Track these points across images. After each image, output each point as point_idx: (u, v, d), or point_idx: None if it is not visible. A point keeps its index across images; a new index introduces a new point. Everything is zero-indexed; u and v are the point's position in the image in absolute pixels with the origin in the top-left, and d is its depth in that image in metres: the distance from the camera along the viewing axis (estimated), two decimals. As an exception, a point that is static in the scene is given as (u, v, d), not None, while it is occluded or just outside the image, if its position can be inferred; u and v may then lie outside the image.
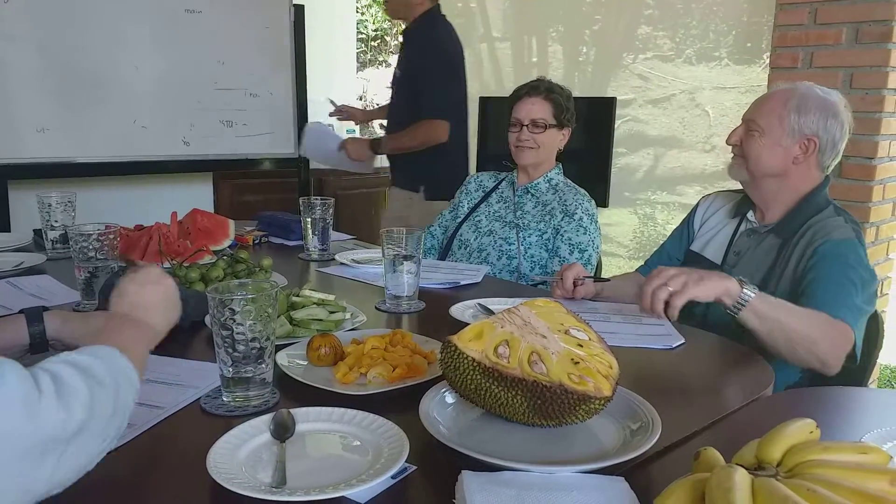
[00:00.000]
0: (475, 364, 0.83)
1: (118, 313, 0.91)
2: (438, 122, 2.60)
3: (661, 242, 1.81)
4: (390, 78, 2.86)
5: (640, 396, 0.92)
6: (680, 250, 1.76)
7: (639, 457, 0.80)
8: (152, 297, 0.93)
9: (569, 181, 2.05)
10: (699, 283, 1.23)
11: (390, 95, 2.86)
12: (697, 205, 1.76)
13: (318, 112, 3.30)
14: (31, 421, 0.62)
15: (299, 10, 3.32)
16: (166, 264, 1.46)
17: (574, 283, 1.52)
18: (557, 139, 2.00)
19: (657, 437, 0.82)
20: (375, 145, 2.82)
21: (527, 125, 1.96)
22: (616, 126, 3.17)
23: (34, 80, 2.63)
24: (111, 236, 1.38)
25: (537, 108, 1.97)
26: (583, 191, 2.00)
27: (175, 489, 0.77)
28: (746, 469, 0.63)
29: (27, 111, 2.63)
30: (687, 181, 3.57)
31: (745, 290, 1.23)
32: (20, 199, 2.66)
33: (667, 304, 1.24)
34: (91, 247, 1.36)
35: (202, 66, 3.00)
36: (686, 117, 3.48)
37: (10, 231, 2.52)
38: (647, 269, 1.75)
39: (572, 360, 0.86)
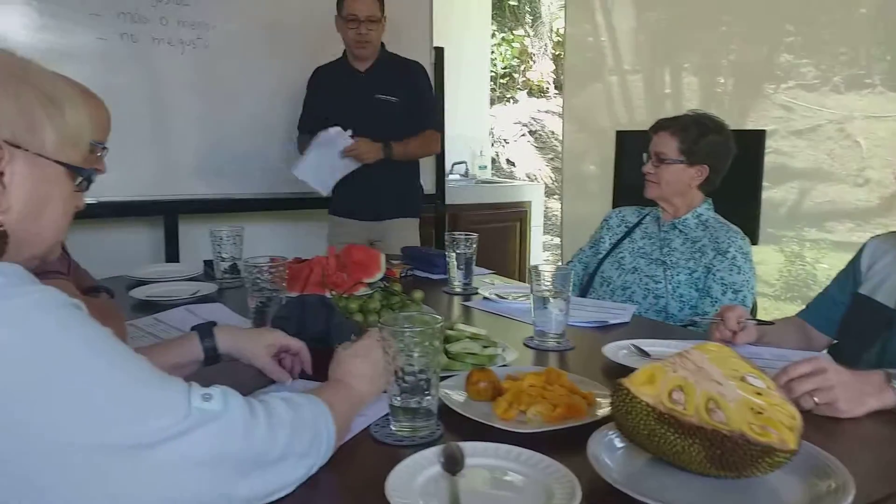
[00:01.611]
0: (649, 409, 0.82)
1: (335, 378, 1.02)
2: (438, 134, 2.97)
3: (825, 285, 1.69)
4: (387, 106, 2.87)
5: (825, 451, 0.86)
6: (845, 294, 1.64)
7: (832, 518, 0.74)
8: (362, 368, 1.02)
9: (720, 217, 1.98)
10: (849, 403, 1.07)
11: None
12: (864, 246, 1.64)
13: (455, 150, 3.38)
14: (246, 440, 0.73)
15: (439, 52, 3.46)
16: (328, 294, 1.55)
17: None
18: (685, 176, 1.94)
19: (851, 497, 0.76)
20: (388, 149, 2.80)
21: (652, 159, 1.95)
22: (759, 159, 3.01)
23: (203, 123, 2.90)
24: (280, 268, 1.48)
25: (662, 142, 1.95)
26: (735, 227, 1.92)
27: (355, 514, 0.81)
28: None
29: (198, 152, 2.90)
30: (837, 217, 3.32)
31: None
32: (185, 231, 2.94)
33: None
34: (263, 278, 1.46)
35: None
36: (835, 149, 3.25)
37: (178, 261, 2.78)
38: (809, 314, 1.65)
39: (752, 409, 0.82)
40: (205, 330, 1.15)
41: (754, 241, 2.91)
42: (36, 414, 0.62)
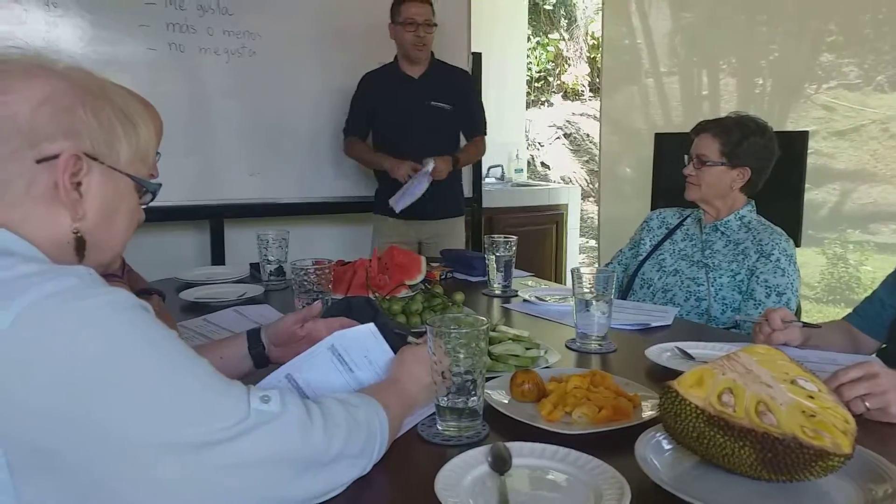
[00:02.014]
0: (699, 412, 0.82)
1: (393, 377, 1.04)
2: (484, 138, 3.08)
3: (869, 288, 1.67)
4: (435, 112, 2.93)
5: (881, 457, 0.85)
6: (894, 297, 1.60)
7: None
8: (420, 372, 1.04)
9: (763, 219, 1.95)
10: None
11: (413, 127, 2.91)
12: None
13: (491, 153, 3.39)
14: (303, 441, 0.75)
15: (477, 58, 3.48)
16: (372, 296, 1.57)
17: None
18: (727, 178, 1.92)
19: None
20: (455, 161, 2.91)
21: (693, 161, 1.94)
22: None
23: (247, 129, 2.97)
24: (326, 270, 1.52)
25: (704, 144, 1.94)
26: (779, 230, 1.90)
27: (407, 511, 0.83)
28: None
29: (242, 157, 2.97)
30: (882, 219, 3.25)
31: None
32: (230, 235, 3.01)
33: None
34: (309, 280, 1.50)
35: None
36: (878, 149, 3.18)
37: (224, 264, 2.84)
38: (857, 317, 1.62)
39: (803, 412, 0.82)
40: (253, 334, 1.20)
41: (796, 244, 2.86)
42: (106, 411, 0.64)
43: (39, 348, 0.63)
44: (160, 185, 0.89)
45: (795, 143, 2.91)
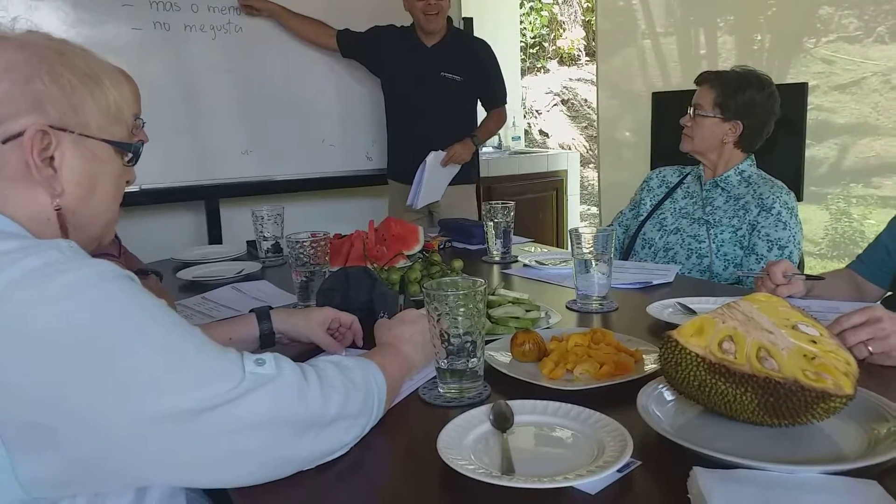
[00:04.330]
0: (699, 360, 0.81)
1: (385, 341, 1.04)
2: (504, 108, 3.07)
3: (876, 236, 1.65)
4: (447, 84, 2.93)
5: (883, 397, 0.84)
6: (899, 243, 1.59)
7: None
8: (411, 332, 1.05)
9: (763, 173, 1.93)
10: None
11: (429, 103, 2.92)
12: None
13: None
14: (300, 402, 0.74)
15: (468, 23, 3.43)
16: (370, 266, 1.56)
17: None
18: (719, 131, 1.89)
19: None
20: (476, 140, 2.97)
21: (689, 112, 1.92)
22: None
23: (238, 107, 2.93)
24: (322, 243, 1.50)
25: (702, 95, 1.92)
26: (780, 183, 1.87)
27: (408, 471, 0.83)
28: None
29: (234, 136, 2.94)
30: (884, 172, 3.21)
31: None
32: (226, 214, 2.99)
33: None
34: (305, 253, 1.48)
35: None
36: (880, 102, 3.13)
37: (221, 243, 2.83)
38: (862, 264, 1.61)
39: (805, 356, 0.81)
40: (262, 312, 1.20)
41: (798, 199, 2.84)
42: (97, 383, 0.63)
43: (24, 324, 0.62)
44: (142, 142, 0.86)
45: (795, 97, 2.88)
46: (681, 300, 1.40)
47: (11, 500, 0.63)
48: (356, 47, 2.98)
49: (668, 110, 3.36)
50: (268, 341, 1.19)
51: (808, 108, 3.24)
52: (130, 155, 0.84)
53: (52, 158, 0.75)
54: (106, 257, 1.34)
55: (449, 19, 2.91)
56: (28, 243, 0.67)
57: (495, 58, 3.02)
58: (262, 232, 2.00)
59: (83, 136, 0.77)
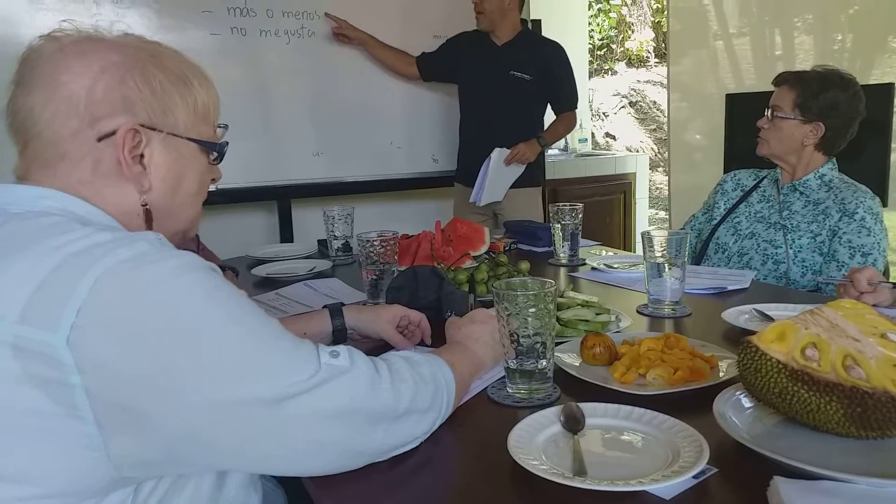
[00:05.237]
0: (781, 367, 0.78)
1: (454, 339, 1.06)
2: (575, 112, 3.09)
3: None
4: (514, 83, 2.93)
5: (983, 412, 0.80)
6: None
7: None
8: (480, 332, 1.06)
9: (846, 177, 1.84)
10: None
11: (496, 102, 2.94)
12: None
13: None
14: (373, 394, 0.76)
15: (536, 25, 3.41)
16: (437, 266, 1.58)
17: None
18: (798, 133, 1.81)
19: None
20: (543, 142, 2.98)
21: (767, 114, 1.85)
22: (885, 116, 2.79)
23: (309, 110, 3.01)
24: (391, 242, 1.53)
25: (780, 96, 1.85)
26: (864, 187, 1.79)
27: (478, 469, 0.83)
28: None
29: (305, 138, 3.02)
30: (976, 176, 3.03)
31: None
32: (297, 213, 3.07)
33: None
34: (375, 251, 1.51)
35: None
36: (974, 100, 2.96)
37: (292, 241, 2.91)
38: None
39: (895, 365, 0.77)
40: (335, 308, 1.23)
41: (883, 205, 2.70)
42: (185, 370, 0.66)
43: (117, 312, 0.65)
44: (227, 143, 0.90)
45: (880, 98, 2.74)
46: (757, 306, 1.36)
47: (103, 476, 0.67)
48: (434, 67, 3.05)
49: (743, 112, 3.27)
50: (340, 337, 1.21)
51: (895, 108, 3.09)
52: (215, 154, 0.88)
53: (141, 156, 0.79)
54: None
55: (523, 21, 2.92)
56: (120, 235, 0.71)
57: (568, 61, 3.01)
58: (332, 231, 2.04)
59: (171, 134, 0.81)
